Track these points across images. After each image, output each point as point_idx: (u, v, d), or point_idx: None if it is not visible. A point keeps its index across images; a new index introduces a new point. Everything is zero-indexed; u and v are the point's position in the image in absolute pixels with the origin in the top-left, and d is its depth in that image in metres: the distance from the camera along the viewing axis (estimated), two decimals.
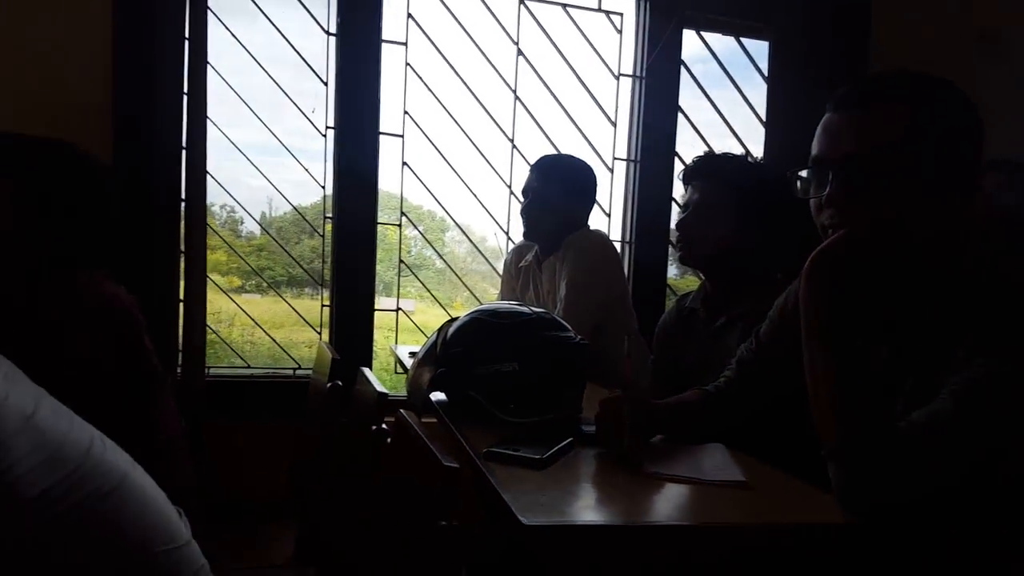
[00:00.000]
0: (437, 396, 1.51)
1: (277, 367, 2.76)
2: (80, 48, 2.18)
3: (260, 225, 2.84)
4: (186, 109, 2.26)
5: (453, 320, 1.51)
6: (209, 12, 2.28)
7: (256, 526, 2.35)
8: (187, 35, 2.25)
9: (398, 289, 2.77)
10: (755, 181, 1.63)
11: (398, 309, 2.76)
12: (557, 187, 2.14)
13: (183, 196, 2.31)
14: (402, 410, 1.32)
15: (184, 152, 2.29)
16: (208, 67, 2.29)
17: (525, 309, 1.47)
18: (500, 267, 2.57)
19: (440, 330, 1.50)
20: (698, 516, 0.98)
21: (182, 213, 2.32)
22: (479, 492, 1.09)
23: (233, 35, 2.45)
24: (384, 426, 1.46)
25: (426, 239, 3.16)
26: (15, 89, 2.11)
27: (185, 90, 2.27)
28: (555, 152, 2.49)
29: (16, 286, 1.33)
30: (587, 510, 1.02)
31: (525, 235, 2.24)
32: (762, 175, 1.66)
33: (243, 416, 2.49)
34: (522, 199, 2.22)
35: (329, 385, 1.86)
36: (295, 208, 2.82)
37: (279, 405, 2.55)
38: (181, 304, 2.34)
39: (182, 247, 2.34)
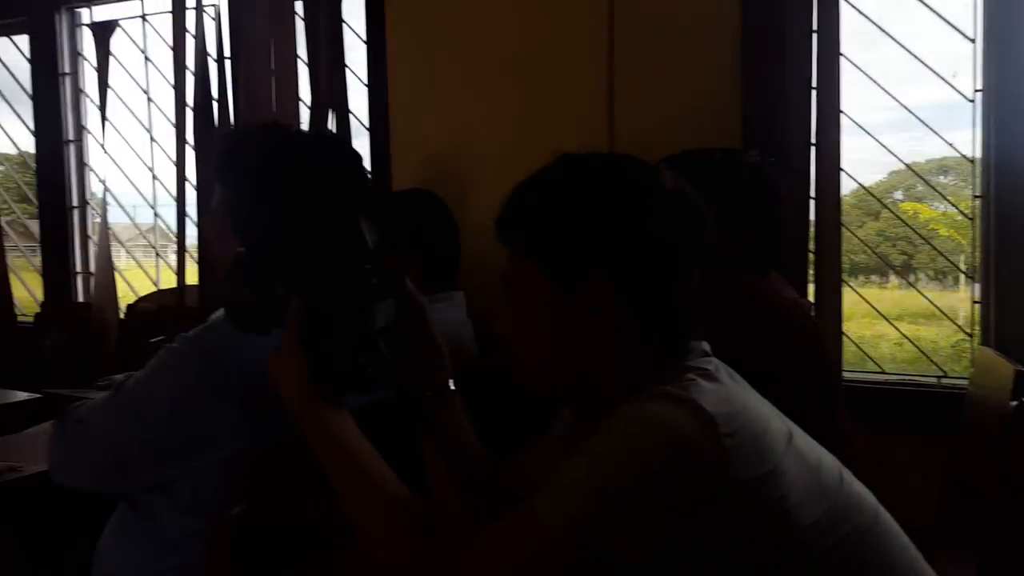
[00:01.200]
0: None
1: (914, 373, 2.44)
2: (709, 52, 2.29)
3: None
4: (815, 103, 2.19)
5: None
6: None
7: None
8: (814, 28, 2.18)
9: None
10: None
11: None
12: None
13: (812, 194, 2.23)
14: None
15: (813, 148, 2.21)
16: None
17: None
18: None
19: None
20: None
21: (811, 212, 2.24)
22: None
23: (860, 12, 2.29)
24: None
25: None
26: (655, 93, 2.32)
27: (814, 84, 2.19)
28: None
29: (720, 298, 1.40)
30: None
31: None
32: None
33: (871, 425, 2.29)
34: None
35: (1015, 404, 1.56)
36: (929, 183, 2.47)
37: (912, 416, 2.26)
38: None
39: (810, 247, 2.25)
